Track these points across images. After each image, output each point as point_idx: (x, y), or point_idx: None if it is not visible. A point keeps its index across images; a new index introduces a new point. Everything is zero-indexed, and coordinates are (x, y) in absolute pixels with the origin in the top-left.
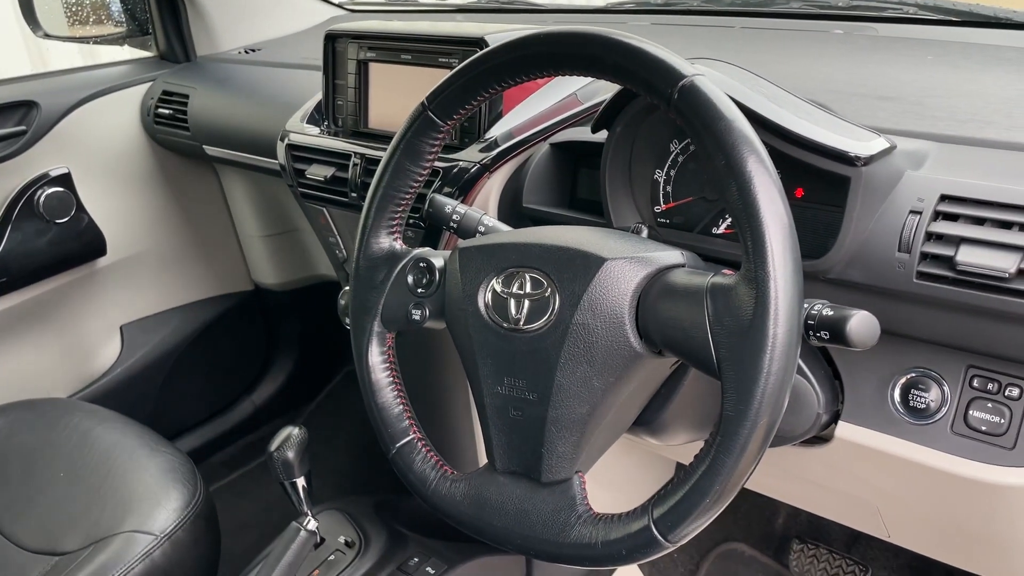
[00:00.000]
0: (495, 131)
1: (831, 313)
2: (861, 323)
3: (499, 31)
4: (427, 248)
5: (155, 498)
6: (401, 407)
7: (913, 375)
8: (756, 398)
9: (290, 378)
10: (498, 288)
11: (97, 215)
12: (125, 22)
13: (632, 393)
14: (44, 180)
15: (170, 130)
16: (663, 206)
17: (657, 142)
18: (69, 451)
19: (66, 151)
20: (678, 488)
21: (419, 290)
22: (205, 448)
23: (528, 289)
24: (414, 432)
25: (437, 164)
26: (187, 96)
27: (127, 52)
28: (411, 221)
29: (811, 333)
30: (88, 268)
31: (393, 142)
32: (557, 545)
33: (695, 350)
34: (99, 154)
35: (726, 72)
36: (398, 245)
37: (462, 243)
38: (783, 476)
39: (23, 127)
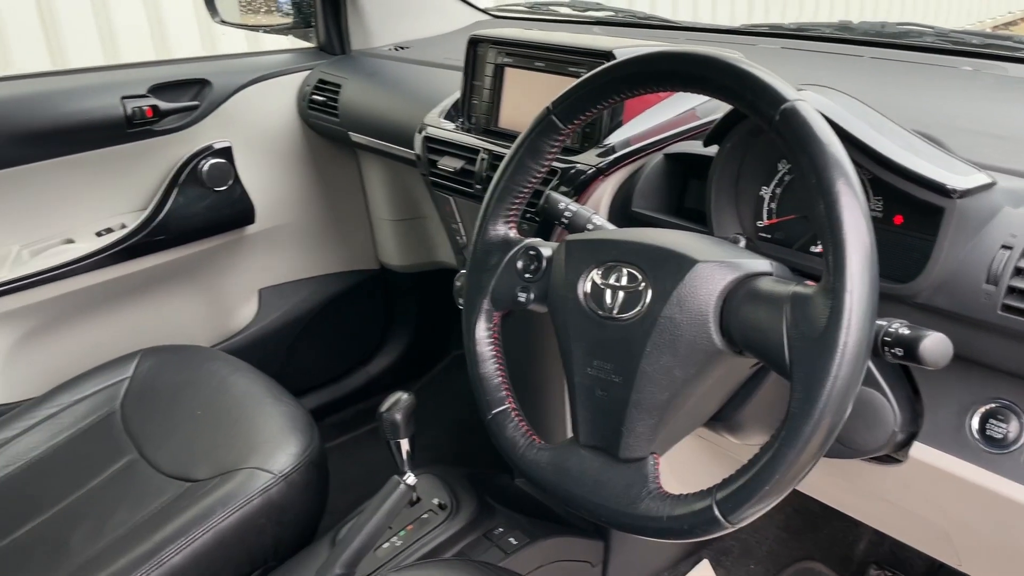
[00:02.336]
0: (614, 138)
1: (907, 332)
2: (934, 343)
3: (626, 46)
4: (538, 239)
5: (276, 442)
6: (500, 379)
7: (994, 405)
8: (822, 399)
9: (404, 355)
10: (597, 279)
11: (250, 187)
12: (292, 14)
13: (711, 387)
14: (208, 151)
15: (321, 115)
16: (766, 221)
17: (765, 160)
18: (207, 393)
19: (230, 127)
20: (741, 475)
21: (527, 275)
22: (321, 409)
23: (624, 282)
24: (509, 402)
25: (556, 164)
26: (339, 86)
27: (287, 42)
28: (527, 215)
29: (886, 349)
30: (237, 234)
31: (518, 140)
32: (626, 516)
33: (771, 351)
34: (257, 132)
35: (835, 99)
36: (512, 233)
37: (569, 236)
38: (859, 493)
39: (196, 102)
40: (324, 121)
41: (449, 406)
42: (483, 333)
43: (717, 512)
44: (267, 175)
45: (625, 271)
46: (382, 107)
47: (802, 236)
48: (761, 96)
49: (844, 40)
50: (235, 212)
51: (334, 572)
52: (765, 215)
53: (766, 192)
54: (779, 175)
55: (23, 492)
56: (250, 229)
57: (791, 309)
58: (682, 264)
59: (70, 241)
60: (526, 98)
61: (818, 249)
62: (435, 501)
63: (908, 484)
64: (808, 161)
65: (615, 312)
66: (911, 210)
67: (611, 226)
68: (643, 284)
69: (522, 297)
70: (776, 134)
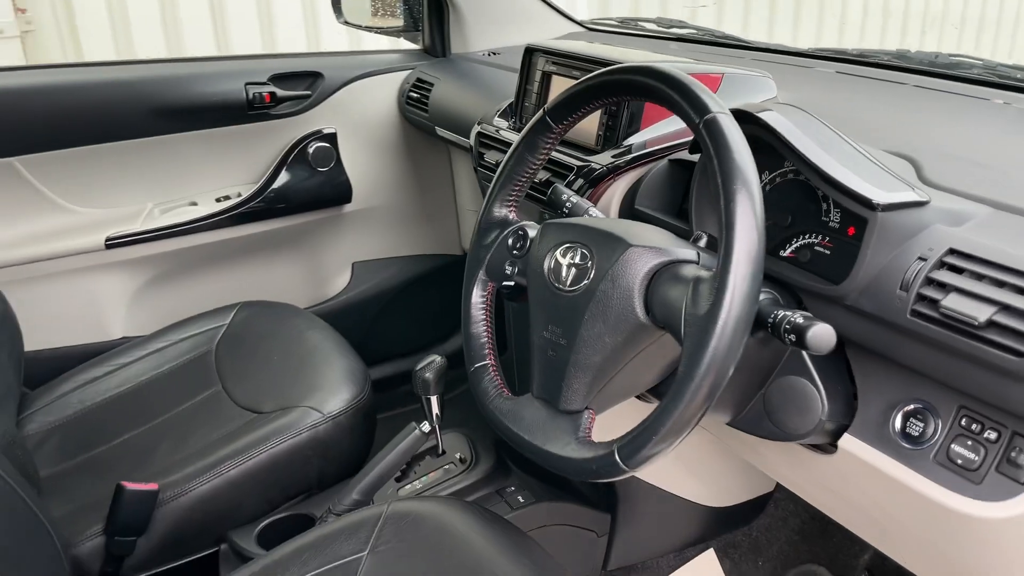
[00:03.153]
0: (628, 141)
1: (800, 321)
2: (818, 332)
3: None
4: (529, 222)
5: (332, 388)
6: (486, 339)
7: (915, 406)
8: (703, 366)
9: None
10: (559, 256)
11: (350, 169)
12: (404, 19)
13: (644, 359)
14: (316, 135)
15: (415, 111)
16: None
17: None
18: (285, 344)
19: (336, 115)
20: (637, 428)
21: (514, 252)
22: (395, 378)
23: (577, 260)
24: (490, 359)
25: (573, 162)
26: (432, 84)
27: (389, 43)
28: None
29: (785, 335)
30: (335, 211)
31: (518, 137)
32: (551, 456)
33: (673, 324)
34: (361, 121)
35: (791, 116)
36: (512, 216)
37: (547, 220)
38: (808, 480)
39: (309, 92)
40: (417, 116)
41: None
42: (477, 299)
43: (617, 457)
44: (366, 160)
45: (579, 251)
46: (459, 104)
47: (771, 240)
48: (692, 105)
49: (897, 67)
50: (335, 191)
51: (352, 497)
52: None
53: None
54: (763, 184)
55: (126, 408)
56: (347, 207)
57: (691, 290)
58: (618, 247)
59: (194, 204)
60: None
61: (786, 254)
62: (457, 455)
63: (843, 474)
64: (717, 165)
65: (567, 285)
66: (858, 223)
67: (600, 216)
68: (590, 262)
69: (508, 270)
70: (700, 137)
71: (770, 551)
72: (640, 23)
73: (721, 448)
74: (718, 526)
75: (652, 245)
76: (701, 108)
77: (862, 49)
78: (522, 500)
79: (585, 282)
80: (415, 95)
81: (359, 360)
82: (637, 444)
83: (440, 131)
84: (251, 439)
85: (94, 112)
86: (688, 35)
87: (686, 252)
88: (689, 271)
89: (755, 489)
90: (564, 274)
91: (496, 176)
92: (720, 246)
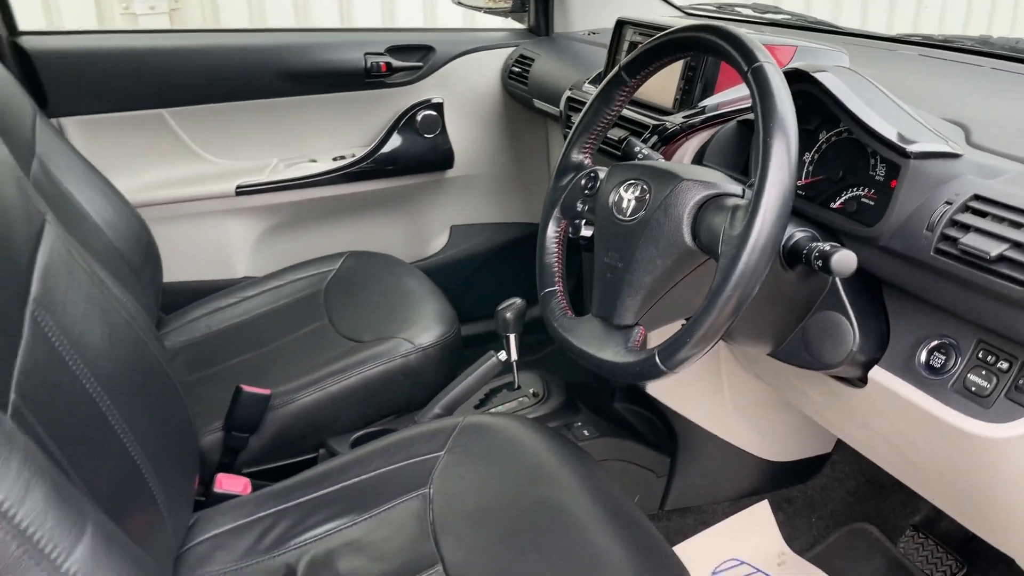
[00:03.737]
0: (702, 104)
1: (827, 248)
2: (840, 257)
3: None
4: (600, 166)
5: (424, 324)
6: (556, 269)
7: (939, 340)
8: (733, 280)
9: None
10: (621, 192)
11: (453, 138)
12: (512, 0)
13: (688, 281)
14: (425, 104)
15: (516, 84)
16: (801, 181)
17: (811, 133)
18: (386, 287)
19: (444, 86)
20: (675, 336)
21: (585, 192)
22: (480, 336)
23: (636, 194)
24: (558, 286)
25: (649, 122)
26: (533, 60)
27: (500, 22)
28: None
29: (814, 261)
30: (438, 175)
31: (596, 90)
32: (601, 361)
33: (714, 247)
34: (466, 93)
35: (843, 77)
36: (587, 161)
37: (615, 163)
38: (840, 414)
39: (421, 64)
40: (518, 89)
41: (576, 364)
42: (551, 234)
43: (657, 360)
44: (468, 130)
45: (640, 186)
46: (556, 77)
47: (824, 193)
48: (742, 55)
49: (979, 52)
50: (439, 157)
51: (434, 411)
52: (803, 176)
53: (808, 157)
54: (819, 145)
55: (245, 334)
56: (449, 173)
57: (730, 216)
58: (672, 181)
59: (313, 161)
60: None
61: (836, 206)
62: (531, 390)
63: (872, 405)
64: (760, 107)
65: (627, 215)
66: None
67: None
68: (648, 195)
69: (580, 208)
70: (747, 83)
71: (824, 509)
72: (736, 8)
73: (781, 403)
74: (774, 480)
75: (702, 180)
76: (750, 57)
77: (947, 35)
78: (587, 434)
79: (642, 212)
80: (517, 70)
81: (450, 306)
82: (674, 348)
83: (537, 103)
84: (350, 362)
85: (231, 73)
86: (781, 20)
87: (732, 187)
88: (731, 202)
89: (813, 448)
90: (625, 206)
91: (575, 126)
92: (755, 177)
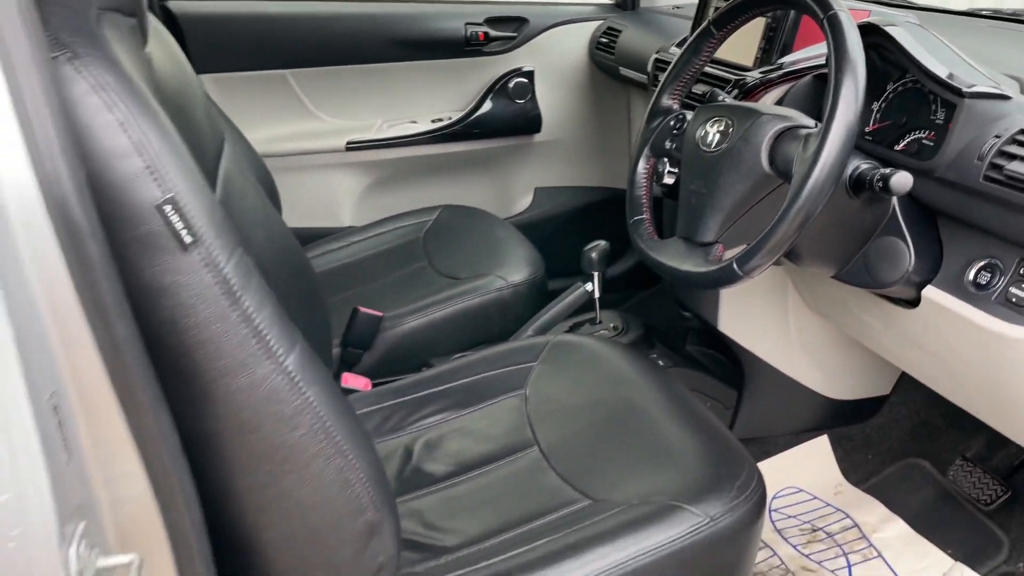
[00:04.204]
0: (780, 60)
1: (887, 172)
2: (898, 178)
3: None
4: (687, 109)
5: (515, 264)
6: (644, 200)
7: (986, 261)
8: (803, 195)
9: (633, 269)
10: (707, 127)
11: (542, 104)
12: None
13: (764, 204)
14: (517, 72)
15: (603, 55)
16: (870, 127)
17: (879, 83)
18: (479, 234)
19: (535, 56)
20: (749, 246)
21: (674, 131)
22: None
23: (720, 128)
24: (646, 214)
25: (732, 77)
26: (620, 31)
27: None
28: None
29: (875, 183)
30: (525, 139)
31: (688, 41)
32: (686, 272)
33: (787, 171)
34: (555, 62)
35: (913, 31)
36: (675, 105)
37: (702, 105)
38: (893, 336)
39: (515, 34)
40: (604, 59)
41: (652, 315)
42: (641, 170)
43: (735, 266)
44: (556, 97)
45: (724, 121)
46: (642, 46)
47: (889, 137)
48: (819, 4)
49: None
50: (527, 122)
51: (527, 332)
52: (871, 122)
53: (876, 106)
54: (886, 94)
55: (353, 273)
56: (536, 137)
57: (803, 143)
58: (752, 115)
59: (414, 122)
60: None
61: (899, 148)
62: (612, 325)
63: (924, 322)
64: (833, 50)
65: (712, 147)
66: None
67: None
68: (731, 128)
69: (668, 146)
70: (823, 29)
71: (880, 447)
72: None
73: (844, 342)
74: (834, 418)
75: (780, 114)
76: (826, 6)
77: (1016, 8)
78: (661, 364)
79: (725, 144)
80: (604, 41)
81: (537, 252)
82: (749, 256)
83: (623, 71)
84: (451, 294)
85: (345, 39)
86: None
87: (806, 120)
88: (804, 132)
89: (872, 389)
90: (710, 139)
91: (666, 74)
92: (825, 111)
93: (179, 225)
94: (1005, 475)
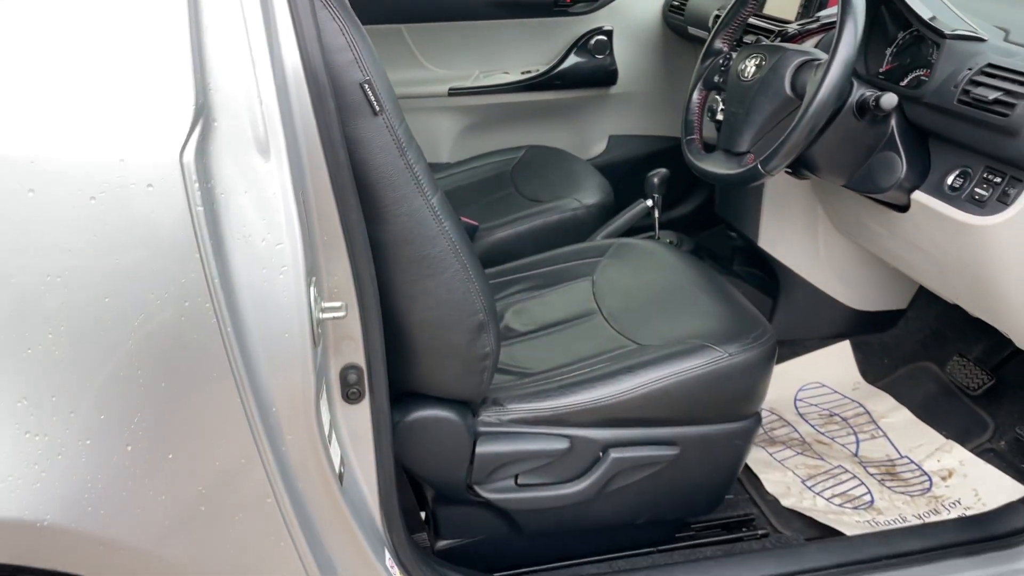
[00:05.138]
0: (818, 14)
1: (879, 93)
2: (886, 96)
3: None
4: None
5: (589, 191)
6: (696, 124)
7: (960, 168)
8: (814, 105)
9: (696, 213)
10: (746, 62)
11: (619, 60)
12: None
13: (786, 123)
14: (598, 31)
15: (675, 16)
16: (883, 68)
17: (889, 33)
18: (559, 168)
19: (614, 16)
20: (770, 147)
21: (721, 68)
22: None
23: (756, 63)
24: (696, 134)
25: (774, 28)
26: None
27: None
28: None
29: (871, 102)
30: (603, 91)
31: None
32: (722, 174)
33: (802, 89)
34: (632, 21)
35: None
36: (724, 48)
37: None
38: (890, 237)
39: None
40: (676, 20)
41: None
42: (695, 99)
43: (760, 166)
44: (631, 54)
45: (759, 57)
46: (708, 8)
47: (897, 76)
48: None
49: None
50: (605, 75)
51: (598, 238)
52: (884, 64)
53: (889, 51)
54: (897, 40)
55: (452, 197)
56: (612, 89)
57: (815, 72)
58: (779, 51)
59: (506, 73)
60: None
61: (904, 84)
62: (668, 240)
63: (914, 222)
64: (840, 2)
65: (749, 77)
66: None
67: None
68: (764, 63)
69: (717, 80)
70: None
71: (895, 353)
72: None
73: (865, 259)
74: (856, 326)
75: (800, 50)
76: None
77: None
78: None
79: (759, 74)
80: (676, 4)
81: (608, 182)
82: (770, 158)
83: (692, 30)
84: (533, 211)
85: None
86: None
87: (821, 55)
88: (816, 63)
89: (890, 302)
90: (747, 72)
91: (718, 22)
92: (832, 46)
93: (372, 98)
94: (992, 367)
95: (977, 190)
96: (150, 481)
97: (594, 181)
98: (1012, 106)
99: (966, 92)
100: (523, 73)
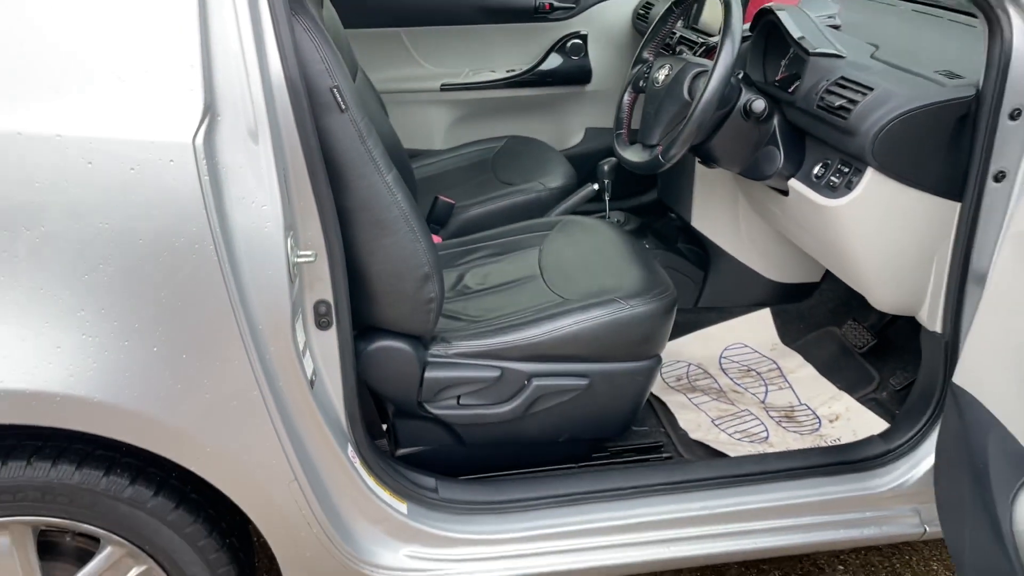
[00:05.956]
0: None
1: (755, 99)
2: (757, 102)
3: None
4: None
5: (554, 176)
6: (625, 121)
7: (824, 161)
8: (699, 108)
9: (653, 204)
10: (660, 70)
11: (592, 61)
12: None
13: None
14: (574, 35)
15: (641, 23)
16: (777, 77)
17: (783, 47)
18: (533, 155)
19: (589, 22)
20: (669, 139)
21: (645, 74)
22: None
23: (666, 72)
24: (624, 129)
25: (699, 40)
26: (653, 5)
27: None
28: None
29: (747, 106)
30: (579, 88)
31: (660, 14)
32: (635, 162)
33: (696, 96)
34: (605, 27)
35: (795, 15)
36: (650, 57)
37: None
38: (788, 220)
39: (574, 5)
40: (642, 26)
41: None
42: (626, 100)
43: (659, 156)
44: (604, 56)
45: (668, 66)
46: None
47: (788, 84)
48: None
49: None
50: (581, 74)
51: (552, 215)
52: (778, 73)
53: (783, 63)
54: (789, 54)
55: (439, 178)
56: (587, 87)
57: (704, 80)
58: (682, 63)
59: (492, 71)
60: (709, 10)
61: (791, 89)
62: (616, 219)
63: (794, 205)
64: (723, 23)
65: (660, 84)
66: None
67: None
68: (672, 72)
69: (641, 84)
70: (723, 8)
71: (809, 320)
72: None
73: (780, 237)
74: (776, 296)
75: (698, 62)
76: None
77: None
78: (648, 247)
79: (667, 81)
80: (642, 12)
81: (572, 168)
82: (668, 147)
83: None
84: (504, 192)
85: (444, 5)
86: None
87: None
88: (707, 73)
89: (804, 275)
90: (659, 78)
91: (644, 38)
92: (714, 61)
93: (339, 99)
94: (877, 330)
95: (832, 178)
96: (169, 373)
97: (560, 168)
98: (849, 111)
99: (822, 99)
100: (508, 72)
